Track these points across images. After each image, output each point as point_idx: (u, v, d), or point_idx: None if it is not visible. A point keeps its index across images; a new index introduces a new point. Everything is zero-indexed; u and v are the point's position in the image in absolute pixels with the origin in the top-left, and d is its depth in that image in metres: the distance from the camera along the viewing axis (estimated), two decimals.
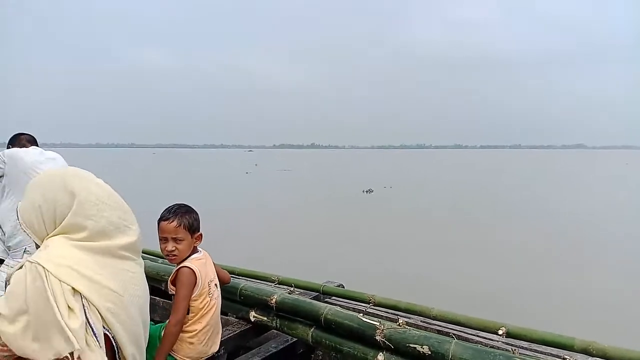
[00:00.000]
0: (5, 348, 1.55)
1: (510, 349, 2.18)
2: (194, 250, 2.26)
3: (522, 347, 2.35)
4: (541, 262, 9.15)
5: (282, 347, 2.71)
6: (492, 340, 2.46)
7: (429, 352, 2.03)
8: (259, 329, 2.85)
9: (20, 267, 1.64)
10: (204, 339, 2.22)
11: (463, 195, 22.36)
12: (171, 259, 2.21)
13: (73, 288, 1.60)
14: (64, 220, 1.72)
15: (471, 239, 11.46)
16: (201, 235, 2.26)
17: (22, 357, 1.61)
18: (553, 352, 2.29)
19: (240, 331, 2.76)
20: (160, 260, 3.45)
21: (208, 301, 2.22)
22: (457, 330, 2.56)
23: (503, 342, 2.40)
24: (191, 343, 2.17)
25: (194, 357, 2.20)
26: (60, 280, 1.58)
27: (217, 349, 2.34)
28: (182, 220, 2.16)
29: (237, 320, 2.92)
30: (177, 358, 2.17)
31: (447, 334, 2.47)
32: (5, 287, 1.68)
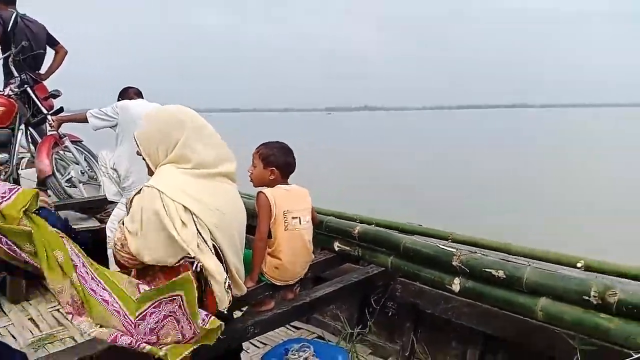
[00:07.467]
0: (133, 257, 1.88)
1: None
2: (283, 182, 2.49)
3: None
4: None
5: (362, 277, 2.91)
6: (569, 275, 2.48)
7: (504, 276, 2.13)
8: (342, 258, 3.10)
9: (139, 192, 1.96)
10: (290, 268, 2.43)
11: None
12: (250, 179, 2.55)
13: (184, 206, 1.89)
14: (174, 150, 2.01)
15: None
16: (274, 171, 2.45)
17: (148, 264, 1.94)
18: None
19: (325, 259, 3.03)
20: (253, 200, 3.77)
21: (288, 232, 2.40)
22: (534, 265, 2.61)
23: None
24: (277, 268, 2.40)
25: (283, 281, 2.45)
26: (173, 200, 1.87)
27: (304, 275, 2.59)
28: (260, 149, 2.49)
29: (322, 251, 3.18)
30: (271, 280, 2.42)
31: None
32: (127, 210, 2.02)
